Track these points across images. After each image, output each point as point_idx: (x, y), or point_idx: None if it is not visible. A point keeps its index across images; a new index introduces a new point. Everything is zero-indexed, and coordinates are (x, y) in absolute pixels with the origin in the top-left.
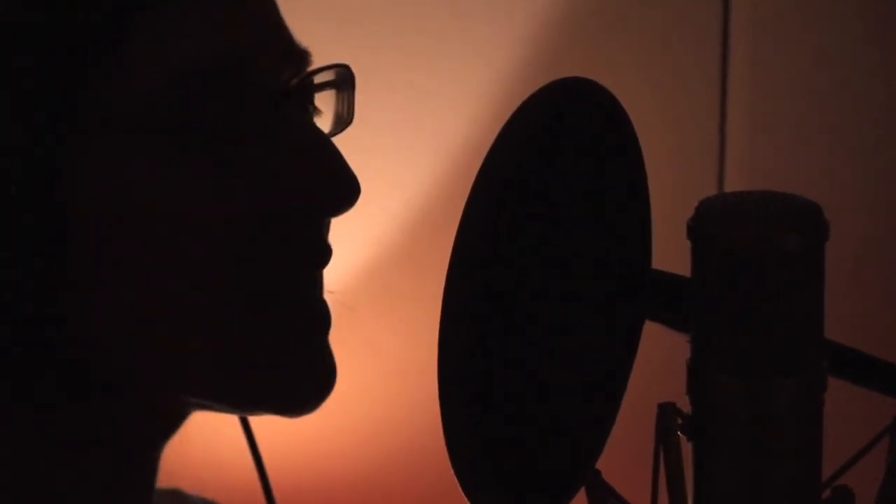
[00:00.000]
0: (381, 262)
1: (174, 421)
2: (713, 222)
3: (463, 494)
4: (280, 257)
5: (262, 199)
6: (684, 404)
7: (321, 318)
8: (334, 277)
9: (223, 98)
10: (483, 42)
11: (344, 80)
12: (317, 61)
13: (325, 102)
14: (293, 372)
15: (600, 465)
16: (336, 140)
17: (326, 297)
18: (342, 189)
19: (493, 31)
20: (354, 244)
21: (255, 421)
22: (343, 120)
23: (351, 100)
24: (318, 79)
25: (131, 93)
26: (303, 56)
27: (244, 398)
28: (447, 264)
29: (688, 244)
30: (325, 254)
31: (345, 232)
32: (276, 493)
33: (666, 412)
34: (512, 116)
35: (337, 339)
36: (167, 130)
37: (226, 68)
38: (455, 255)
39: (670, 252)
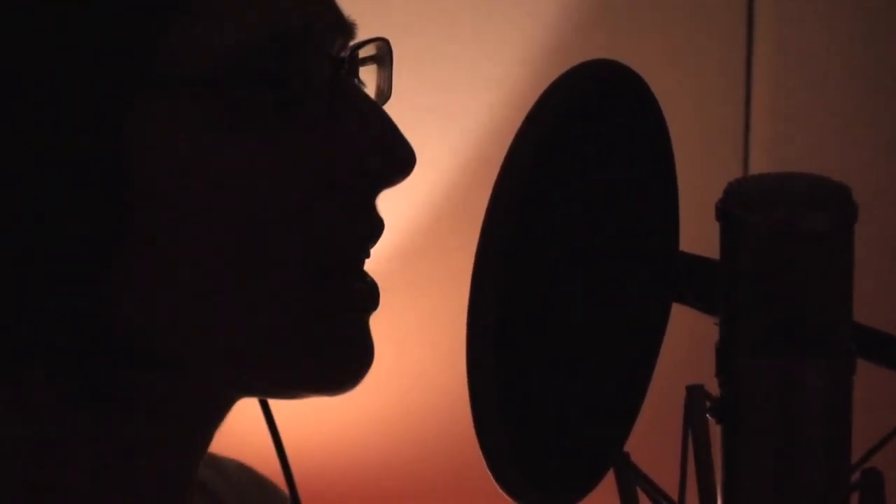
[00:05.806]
0: (407, 246)
1: (223, 405)
2: (743, 204)
3: (491, 477)
4: (339, 227)
5: (324, 166)
6: (713, 387)
7: (372, 294)
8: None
9: (288, 63)
10: (508, 25)
11: (385, 55)
12: None
13: (366, 77)
14: (343, 348)
15: (629, 447)
16: None
17: None
18: (401, 157)
19: (519, 14)
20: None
21: (280, 406)
22: (384, 94)
23: (390, 74)
24: (361, 53)
25: (199, 56)
26: (351, 28)
27: (292, 375)
28: (474, 248)
29: (714, 227)
30: (379, 226)
31: None
32: (300, 479)
33: (694, 395)
34: (539, 100)
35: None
36: (234, 95)
37: (290, 34)
38: (483, 237)
39: (695, 235)
